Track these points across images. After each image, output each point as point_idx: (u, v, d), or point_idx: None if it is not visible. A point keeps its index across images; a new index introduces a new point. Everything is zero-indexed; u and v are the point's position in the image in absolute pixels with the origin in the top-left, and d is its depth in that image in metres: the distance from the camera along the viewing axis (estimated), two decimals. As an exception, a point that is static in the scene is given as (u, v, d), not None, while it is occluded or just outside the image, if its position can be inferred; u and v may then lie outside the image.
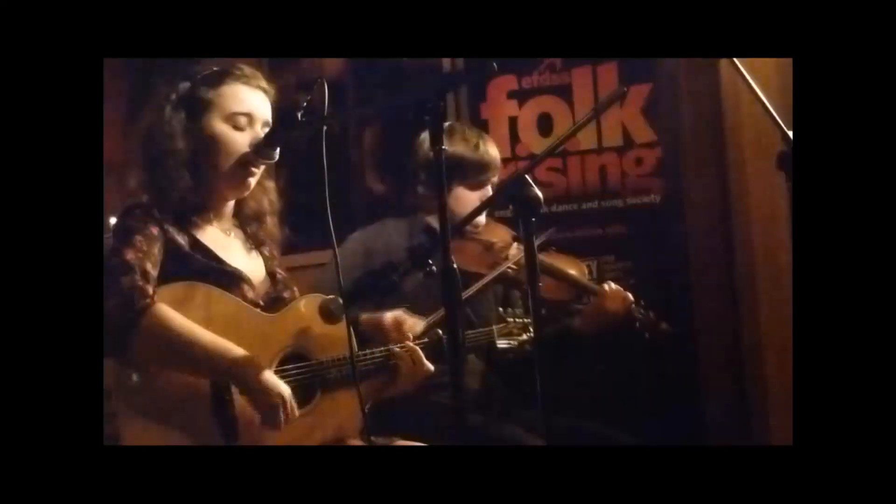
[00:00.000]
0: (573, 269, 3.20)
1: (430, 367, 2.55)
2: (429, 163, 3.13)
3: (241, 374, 2.26)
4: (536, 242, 3.06)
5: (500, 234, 3.16)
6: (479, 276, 3.03)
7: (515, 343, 2.88)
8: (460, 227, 2.70)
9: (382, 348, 2.53)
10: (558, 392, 2.09)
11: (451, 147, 3.08)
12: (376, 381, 2.53)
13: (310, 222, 4.26)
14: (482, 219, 3.15)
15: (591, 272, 3.38)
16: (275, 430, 2.28)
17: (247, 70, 2.49)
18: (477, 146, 3.15)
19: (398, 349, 2.54)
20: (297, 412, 2.30)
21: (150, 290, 2.26)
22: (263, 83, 2.50)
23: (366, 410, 2.33)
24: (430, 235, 3.12)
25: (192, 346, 2.25)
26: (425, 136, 3.17)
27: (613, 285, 3.15)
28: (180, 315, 2.26)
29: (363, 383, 2.35)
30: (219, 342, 2.27)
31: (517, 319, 2.91)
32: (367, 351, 2.51)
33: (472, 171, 3.13)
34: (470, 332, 2.78)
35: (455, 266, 1.99)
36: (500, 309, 2.95)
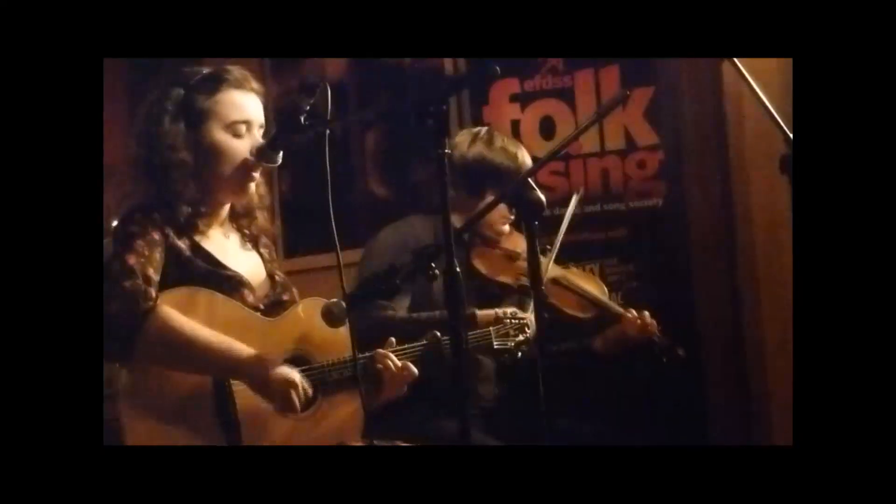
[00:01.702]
0: (594, 289, 3.23)
1: (414, 370, 2.53)
2: (463, 165, 3.14)
3: (252, 371, 2.29)
4: (559, 239, 3.11)
5: (523, 245, 3.17)
6: (500, 284, 3.09)
7: (511, 344, 2.89)
8: (465, 228, 2.71)
9: (366, 354, 2.51)
10: (562, 394, 2.10)
11: (490, 154, 3.14)
12: (363, 388, 2.52)
13: (313, 226, 4.30)
14: (506, 228, 3.17)
15: (593, 274, 3.39)
16: (293, 414, 2.32)
17: (237, 73, 2.48)
18: (516, 157, 3.17)
19: (379, 353, 2.51)
20: (310, 392, 2.35)
21: (153, 293, 2.27)
22: (254, 84, 2.50)
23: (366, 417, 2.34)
24: (455, 236, 3.12)
25: (198, 347, 2.26)
26: (461, 138, 3.19)
27: (637, 312, 3.16)
28: (184, 317, 2.27)
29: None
30: (224, 341, 2.29)
31: (513, 320, 2.92)
32: (362, 356, 2.50)
33: (507, 180, 3.14)
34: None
35: (458, 270, 2.00)
36: (496, 310, 2.96)
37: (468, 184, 3.13)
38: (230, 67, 2.50)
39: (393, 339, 2.58)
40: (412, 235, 3.11)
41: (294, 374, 2.34)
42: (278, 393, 2.30)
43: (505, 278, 3.11)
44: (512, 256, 3.15)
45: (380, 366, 2.49)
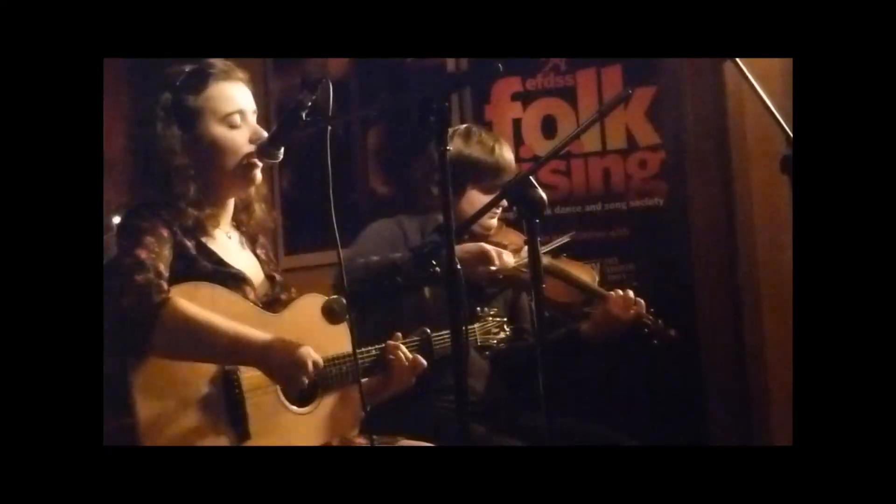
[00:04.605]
0: (584, 274, 3.20)
1: (423, 361, 2.56)
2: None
3: (279, 353, 2.28)
4: (558, 242, 3.10)
5: (512, 238, 3.16)
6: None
7: (494, 341, 2.90)
8: (466, 226, 2.71)
9: (376, 346, 2.54)
10: (562, 393, 2.10)
11: (467, 149, 3.10)
12: (372, 380, 2.54)
13: (314, 223, 4.30)
14: (494, 222, 3.15)
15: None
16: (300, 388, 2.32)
17: (220, 65, 2.47)
18: (493, 150, 3.14)
19: (391, 345, 2.55)
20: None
21: (165, 285, 2.26)
22: (240, 73, 2.49)
23: (367, 410, 2.34)
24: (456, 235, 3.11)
25: (217, 335, 2.25)
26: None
27: (622, 291, 3.14)
28: (198, 307, 2.26)
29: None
30: (242, 329, 2.28)
31: (494, 318, 2.92)
32: (365, 349, 2.51)
33: (487, 175, 3.12)
34: (445, 332, 2.74)
35: (459, 267, 2.00)
36: (478, 308, 2.96)
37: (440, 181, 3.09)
38: (212, 61, 2.49)
39: (399, 334, 2.59)
40: (400, 231, 3.10)
41: (314, 354, 2.32)
42: (301, 374, 2.28)
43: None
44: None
45: (391, 357, 2.52)
